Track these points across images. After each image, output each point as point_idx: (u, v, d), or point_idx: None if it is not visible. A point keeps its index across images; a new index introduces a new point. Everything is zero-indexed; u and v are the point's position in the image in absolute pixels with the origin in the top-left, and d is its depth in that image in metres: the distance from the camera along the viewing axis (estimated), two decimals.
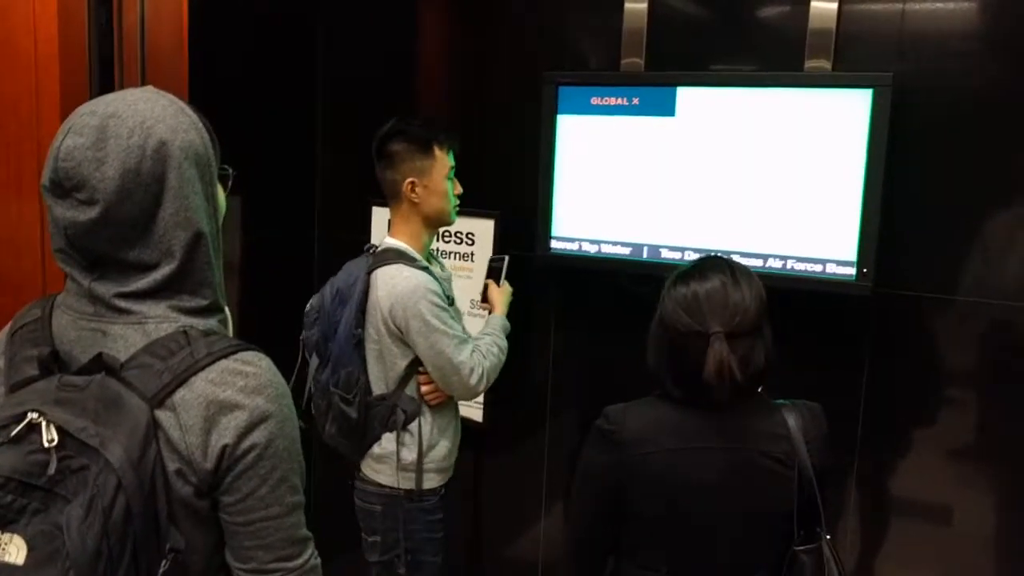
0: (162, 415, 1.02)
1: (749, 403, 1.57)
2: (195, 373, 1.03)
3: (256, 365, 1.08)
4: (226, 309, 1.16)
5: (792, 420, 1.55)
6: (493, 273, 2.53)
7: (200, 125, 1.14)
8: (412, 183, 2.20)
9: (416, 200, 2.21)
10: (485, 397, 2.74)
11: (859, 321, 2.31)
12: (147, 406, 1.01)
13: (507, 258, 2.54)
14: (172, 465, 1.02)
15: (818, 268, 2.22)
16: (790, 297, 2.26)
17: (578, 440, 1.63)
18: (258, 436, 1.05)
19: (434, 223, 2.28)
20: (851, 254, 2.17)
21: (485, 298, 2.49)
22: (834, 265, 2.20)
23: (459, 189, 2.30)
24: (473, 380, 2.16)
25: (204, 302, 1.11)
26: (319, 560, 1.15)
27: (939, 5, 2.20)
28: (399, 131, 2.22)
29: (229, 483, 1.05)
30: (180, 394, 1.03)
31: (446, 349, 2.11)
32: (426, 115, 2.85)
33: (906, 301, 2.26)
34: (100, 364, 1.03)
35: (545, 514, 2.83)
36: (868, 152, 2.12)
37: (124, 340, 1.06)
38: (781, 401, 1.61)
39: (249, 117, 2.83)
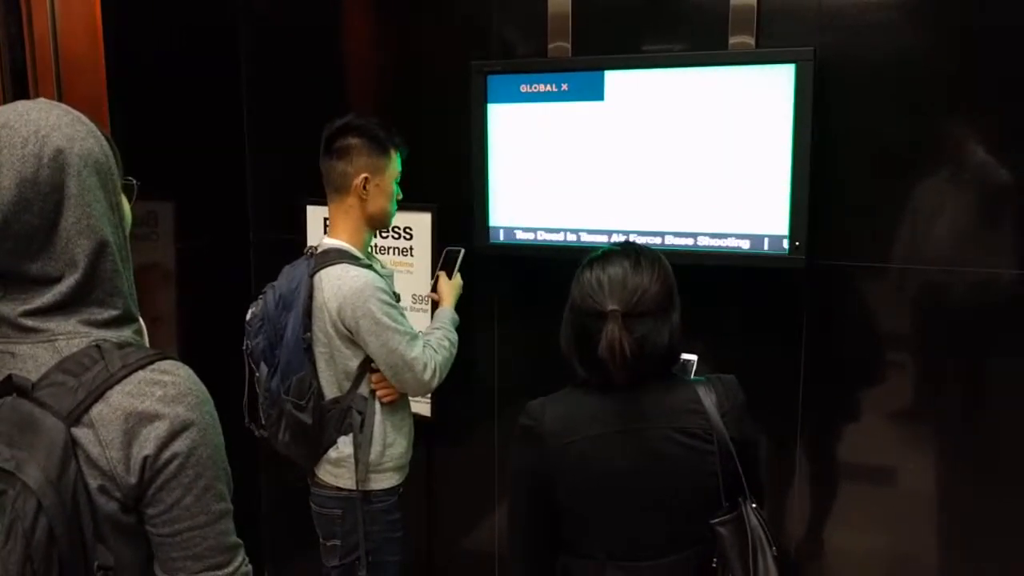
0: (80, 432, 1.00)
1: (661, 383, 1.59)
2: (111, 387, 1.02)
3: (174, 374, 1.06)
4: (140, 319, 1.14)
5: (705, 395, 1.58)
6: (447, 265, 2.51)
7: (98, 133, 1.11)
8: (366, 178, 2.17)
9: (364, 197, 2.18)
10: (433, 391, 2.73)
11: (795, 293, 2.35)
12: (63, 425, 0.99)
13: (463, 251, 2.51)
14: (94, 482, 1.00)
15: (752, 244, 2.25)
16: (726, 273, 2.30)
17: None
18: (180, 445, 1.03)
19: (375, 223, 2.25)
20: (783, 228, 2.20)
21: (436, 289, 2.48)
22: (767, 240, 2.23)
23: (401, 194, 2.29)
24: (427, 375, 2.15)
25: (115, 312, 1.09)
26: (250, 567, 1.14)
27: None
28: (357, 126, 2.20)
29: (153, 495, 1.03)
30: (97, 409, 1.01)
31: (399, 346, 2.10)
32: (357, 111, 2.82)
33: (840, 271, 2.30)
34: (10, 386, 1.01)
35: (498, 505, 2.83)
36: (794, 126, 2.15)
37: (34, 360, 1.03)
38: (696, 378, 1.65)
39: (173, 122, 2.76)
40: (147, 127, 2.63)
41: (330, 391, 2.19)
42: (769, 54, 2.21)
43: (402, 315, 2.16)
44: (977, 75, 2.13)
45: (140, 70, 2.65)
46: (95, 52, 2.49)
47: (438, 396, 2.75)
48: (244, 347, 2.30)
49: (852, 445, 2.39)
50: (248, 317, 2.30)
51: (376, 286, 2.10)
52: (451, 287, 2.45)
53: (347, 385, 2.18)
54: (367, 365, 2.17)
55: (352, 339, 2.12)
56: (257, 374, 2.28)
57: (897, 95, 2.21)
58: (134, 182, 1.18)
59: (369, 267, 2.16)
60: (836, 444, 2.40)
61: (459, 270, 2.50)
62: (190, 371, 1.09)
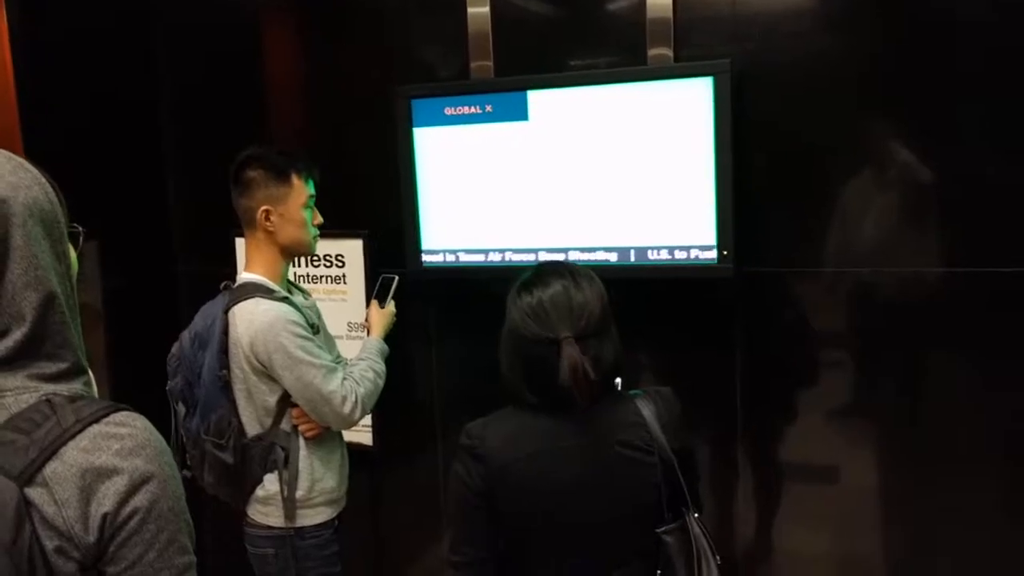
0: (33, 492, 0.95)
1: (603, 398, 1.58)
2: (65, 443, 0.97)
3: (131, 425, 1.02)
4: (89, 370, 1.10)
5: (645, 407, 1.58)
6: (381, 293, 2.45)
7: (43, 180, 1.06)
8: (267, 211, 2.12)
9: (271, 229, 2.13)
10: (373, 420, 2.70)
11: (727, 302, 2.36)
12: (15, 486, 0.94)
13: (397, 278, 2.45)
14: (51, 543, 0.95)
15: (681, 255, 2.26)
16: (656, 286, 2.31)
17: None
18: (140, 499, 0.99)
19: (291, 252, 2.20)
20: (711, 238, 2.22)
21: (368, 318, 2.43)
22: (696, 251, 2.24)
23: (319, 219, 2.22)
24: (346, 409, 2.10)
25: (64, 365, 1.04)
26: None
27: None
28: (255, 157, 2.14)
29: (114, 552, 0.99)
30: (51, 467, 0.96)
31: (314, 380, 2.05)
32: (281, 140, 2.78)
33: (770, 278, 2.33)
34: None
35: (446, 531, 2.80)
36: (715, 136, 2.17)
37: None
38: (633, 392, 1.64)
39: (90, 158, 2.70)
40: (62, 166, 2.55)
41: (252, 428, 2.14)
42: (687, 67, 2.23)
43: (320, 347, 2.10)
44: (894, 76, 2.16)
45: (54, 108, 2.58)
46: (6, 88, 2.43)
47: (379, 424, 2.72)
48: (167, 387, 2.24)
49: (793, 447, 2.41)
50: (168, 356, 2.25)
51: (288, 319, 2.05)
52: (381, 316, 2.40)
53: (268, 422, 2.13)
54: (287, 400, 2.12)
55: (268, 374, 2.08)
56: (176, 415, 2.23)
57: (816, 100, 2.24)
58: (80, 229, 1.14)
59: (285, 299, 2.11)
60: (777, 447, 2.42)
61: (393, 298, 2.45)
62: (146, 422, 1.05)
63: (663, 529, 1.56)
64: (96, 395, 1.11)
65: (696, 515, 1.60)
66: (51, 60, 2.60)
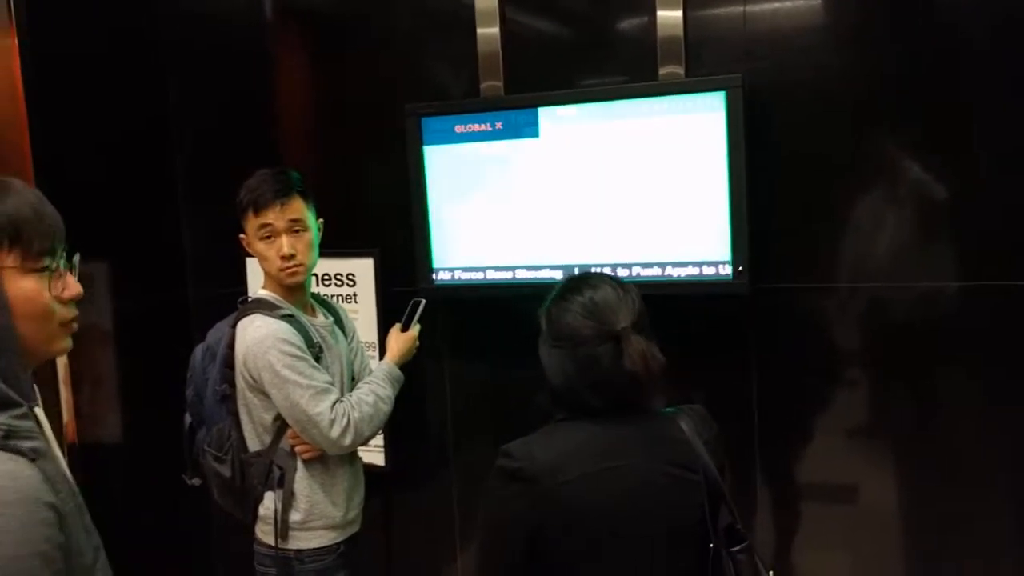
0: None
1: (645, 415, 1.55)
2: None
3: None
4: (26, 402, 1.05)
5: (686, 424, 1.55)
6: (408, 317, 2.37)
7: None
8: (242, 238, 2.15)
9: (252, 255, 2.15)
10: (385, 440, 2.67)
11: (742, 318, 2.35)
12: None
13: (424, 302, 2.37)
14: None
15: (695, 271, 2.25)
16: (671, 303, 2.28)
17: (487, 474, 1.57)
18: None
19: (274, 279, 2.15)
20: (725, 254, 2.21)
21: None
22: (710, 267, 2.23)
23: (284, 251, 2.07)
24: (334, 433, 2.03)
25: None
26: None
27: (777, 4, 2.26)
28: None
29: None
30: None
31: (300, 401, 2.00)
32: (291, 161, 2.79)
33: (785, 293, 2.31)
34: None
35: (460, 554, 2.77)
36: (728, 151, 2.17)
37: None
38: (669, 409, 1.61)
39: (103, 179, 2.71)
40: (76, 185, 2.57)
41: (253, 444, 2.12)
42: (698, 83, 2.23)
43: (314, 368, 2.04)
44: (906, 91, 2.16)
45: (65, 132, 2.59)
46: (17, 113, 2.44)
47: (391, 444, 2.70)
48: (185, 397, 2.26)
49: (810, 464, 2.38)
50: (188, 368, 2.26)
51: (278, 337, 2.01)
52: (400, 340, 2.33)
53: (267, 439, 2.10)
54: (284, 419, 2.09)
55: (261, 390, 2.05)
56: (188, 425, 2.23)
57: (828, 116, 2.24)
58: (74, 259, 1.15)
59: (287, 317, 2.07)
60: (794, 465, 2.40)
61: (419, 322, 2.37)
62: (14, 466, 0.99)
63: (738, 549, 1.53)
64: (38, 426, 1.07)
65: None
66: (63, 83, 2.61)
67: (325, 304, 2.32)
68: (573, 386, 1.52)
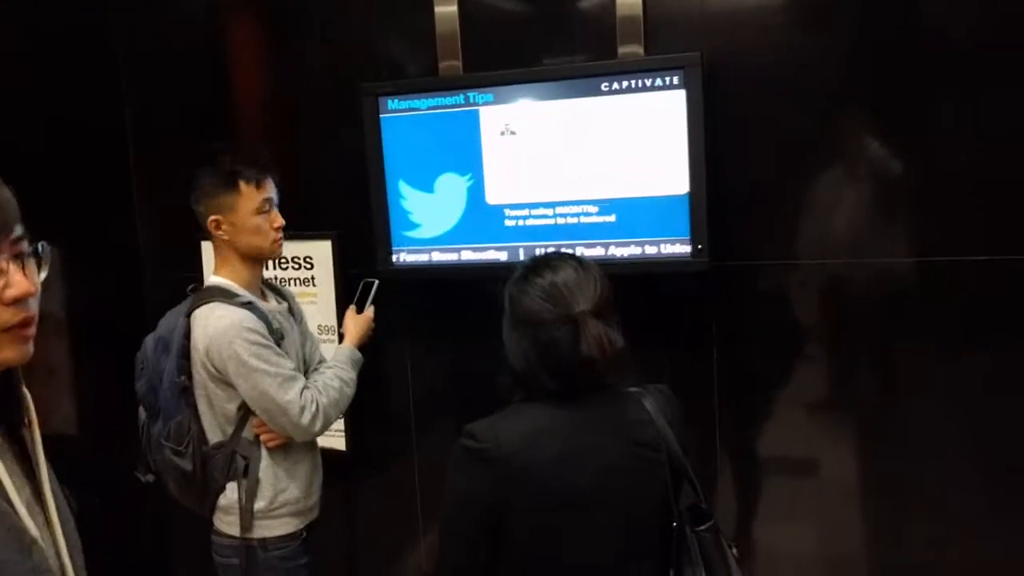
0: None
1: (609, 395, 1.56)
2: None
3: None
4: None
5: (650, 404, 1.56)
6: (360, 298, 2.38)
7: None
8: (216, 221, 2.07)
9: (225, 237, 2.08)
10: (346, 424, 2.65)
11: (702, 296, 2.36)
12: None
13: (376, 283, 2.38)
14: None
15: (654, 250, 2.25)
16: (630, 281, 2.29)
17: (450, 456, 1.56)
18: None
19: (253, 258, 2.13)
20: (684, 231, 2.21)
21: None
22: (670, 245, 2.24)
23: (279, 222, 2.13)
24: (305, 420, 2.02)
25: None
26: None
27: None
28: (208, 164, 2.09)
29: None
30: None
31: (269, 389, 1.99)
32: (248, 142, 2.74)
33: (745, 271, 2.32)
34: None
35: (423, 536, 2.76)
36: (688, 130, 2.16)
37: None
38: (633, 389, 1.61)
39: (52, 164, 2.63)
40: (26, 170, 2.49)
41: (213, 435, 2.09)
42: (657, 61, 2.22)
43: (280, 355, 2.03)
44: (865, 69, 2.17)
45: (12, 124, 2.52)
46: None
47: (352, 428, 2.68)
48: (135, 388, 2.20)
49: (771, 440, 2.40)
50: (136, 357, 2.20)
51: (243, 325, 1.98)
52: (358, 322, 2.33)
53: (229, 429, 2.08)
54: (248, 408, 2.06)
55: (225, 380, 2.02)
56: (142, 419, 2.19)
57: (787, 94, 2.24)
58: (41, 249, 1.01)
59: (247, 304, 2.04)
60: (755, 441, 2.41)
61: (372, 303, 2.38)
62: None
63: (704, 528, 1.54)
64: None
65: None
66: (11, 65, 2.54)
67: (275, 289, 2.28)
68: (532, 368, 1.52)
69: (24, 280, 0.97)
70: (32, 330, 0.99)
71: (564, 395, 1.52)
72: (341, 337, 2.38)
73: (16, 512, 0.98)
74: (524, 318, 1.52)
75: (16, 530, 0.98)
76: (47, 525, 1.03)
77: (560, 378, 1.51)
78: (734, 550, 1.59)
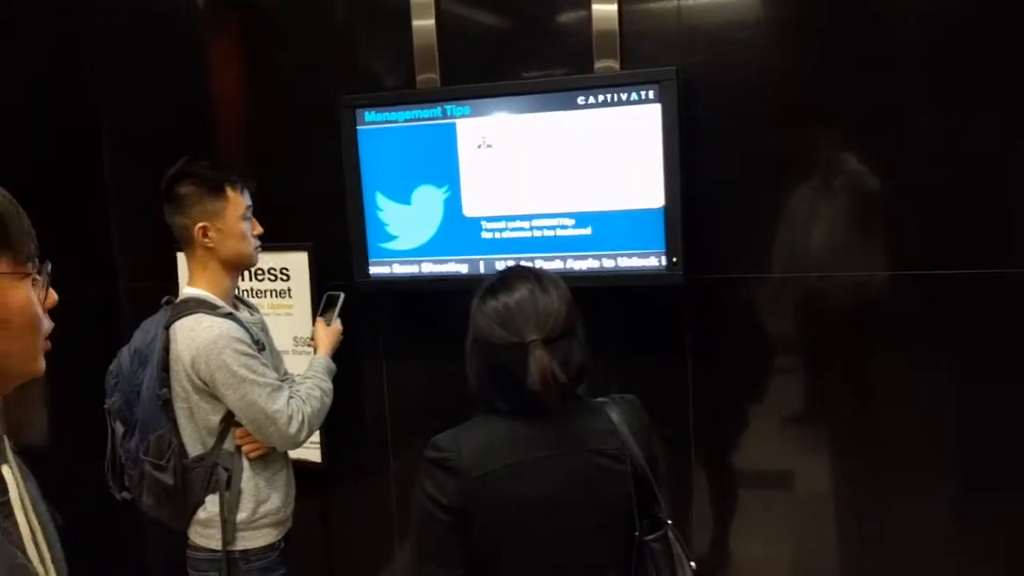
0: None
1: (574, 406, 1.56)
2: None
3: None
4: None
5: (616, 415, 1.56)
6: (326, 310, 2.39)
7: None
8: (204, 228, 2.06)
9: (210, 245, 2.07)
10: (321, 437, 2.64)
11: (677, 309, 2.37)
12: None
13: (343, 295, 2.39)
14: None
15: (630, 262, 2.26)
16: (605, 294, 2.30)
17: None
18: None
19: (234, 266, 2.14)
20: (660, 245, 2.22)
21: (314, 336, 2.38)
22: (645, 258, 2.25)
23: (258, 229, 2.16)
24: (292, 429, 2.03)
25: None
26: None
27: None
28: (187, 173, 2.08)
29: None
30: None
31: (258, 399, 1.99)
32: (225, 153, 2.73)
33: (720, 284, 2.34)
34: None
35: (399, 548, 2.75)
36: (664, 144, 2.18)
37: None
38: (600, 400, 1.62)
39: (25, 174, 2.60)
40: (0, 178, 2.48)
41: (193, 448, 2.08)
42: (633, 75, 2.24)
43: (265, 365, 2.04)
44: (840, 84, 2.20)
45: None
46: None
47: (327, 441, 2.67)
48: (105, 405, 2.17)
49: (746, 453, 2.42)
50: (107, 373, 2.18)
51: (231, 336, 1.99)
52: (328, 334, 2.34)
53: (211, 441, 2.07)
54: (231, 419, 2.05)
55: (210, 392, 2.01)
56: (114, 434, 2.16)
57: (762, 108, 2.26)
58: (46, 266, 1.04)
59: (229, 315, 2.05)
60: (730, 453, 2.43)
61: (340, 315, 2.39)
62: None
63: (652, 537, 1.54)
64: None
65: (670, 521, 1.58)
66: None
67: (245, 302, 2.28)
68: (484, 387, 1.54)
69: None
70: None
71: (522, 411, 1.52)
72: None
73: (28, 558, 1.00)
74: (477, 338, 1.53)
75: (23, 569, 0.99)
76: (35, 546, 1.03)
77: (509, 400, 1.52)
78: (691, 564, 1.59)
